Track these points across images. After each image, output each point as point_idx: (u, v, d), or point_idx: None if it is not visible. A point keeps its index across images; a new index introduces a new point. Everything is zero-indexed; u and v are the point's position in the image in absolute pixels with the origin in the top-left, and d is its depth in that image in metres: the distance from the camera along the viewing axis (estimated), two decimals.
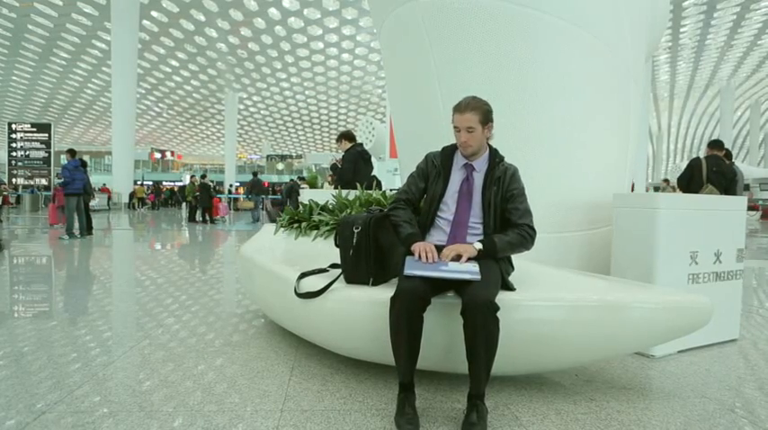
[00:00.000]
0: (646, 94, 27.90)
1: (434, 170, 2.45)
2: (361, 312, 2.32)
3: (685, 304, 2.24)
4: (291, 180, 18.73)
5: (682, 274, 3.03)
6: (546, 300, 2.25)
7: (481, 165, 2.40)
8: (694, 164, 5.86)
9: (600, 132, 3.82)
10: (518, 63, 3.56)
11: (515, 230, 2.27)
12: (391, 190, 7.86)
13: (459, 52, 3.68)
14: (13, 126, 17.37)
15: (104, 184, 23.79)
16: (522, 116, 3.58)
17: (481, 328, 1.93)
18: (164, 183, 42.35)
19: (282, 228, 3.64)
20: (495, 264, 2.21)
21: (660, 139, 56.20)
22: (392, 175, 14.02)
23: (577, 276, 2.66)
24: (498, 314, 1.95)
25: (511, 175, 2.36)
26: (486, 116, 2.33)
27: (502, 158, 2.42)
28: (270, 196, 23.05)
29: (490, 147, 2.45)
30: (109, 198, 21.57)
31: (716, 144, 6.02)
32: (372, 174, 6.60)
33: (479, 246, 2.19)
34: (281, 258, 3.23)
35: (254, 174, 18.03)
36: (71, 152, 10.55)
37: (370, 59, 34.16)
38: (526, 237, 2.26)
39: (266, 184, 21.55)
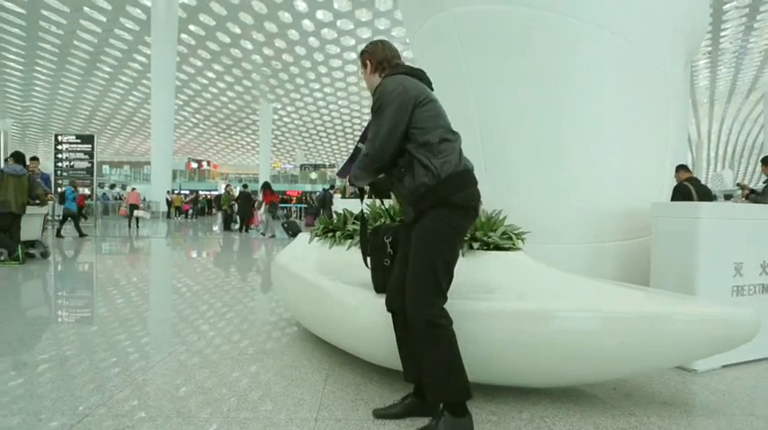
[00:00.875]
0: (684, 101, 27.15)
1: None
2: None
3: (729, 317, 2.17)
4: (324, 190, 18.78)
5: (725, 286, 2.92)
6: (581, 311, 2.20)
7: None
8: (684, 190, 6.10)
9: (636, 139, 3.74)
10: (551, 68, 3.52)
11: None
12: None
13: (490, 58, 3.67)
14: (59, 138, 18.00)
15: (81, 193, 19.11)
16: (553, 121, 3.54)
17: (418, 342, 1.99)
18: (200, 192, 43.20)
19: (317, 237, 3.67)
20: (417, 246, 2.00)
21: (700, 147, 54.47)
22: None
23: (614, 287, 2.59)
24: (434, 319, 1.93)
25: (377, 89, 2.08)
26: (361, 58, 2.35)
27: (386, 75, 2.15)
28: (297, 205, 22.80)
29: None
30: (81, 207, 19.03)
31: (683, 167, 6.46)
32: None
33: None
34: (314, 267, 3.25)
35: (266, 184, 15.78)
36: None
37: None
38: (362, 158, 2.08)
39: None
